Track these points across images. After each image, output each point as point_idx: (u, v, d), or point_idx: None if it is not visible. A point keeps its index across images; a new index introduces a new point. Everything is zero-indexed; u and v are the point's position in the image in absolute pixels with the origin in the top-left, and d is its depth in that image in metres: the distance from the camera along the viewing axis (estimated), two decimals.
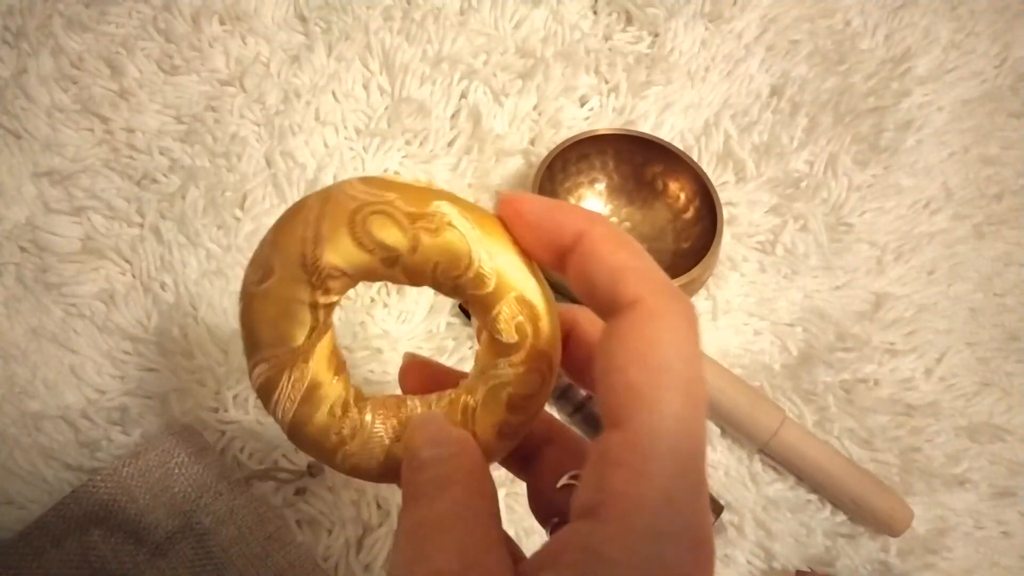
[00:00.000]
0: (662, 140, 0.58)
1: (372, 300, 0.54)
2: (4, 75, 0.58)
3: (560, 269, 0.24)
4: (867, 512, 0.50)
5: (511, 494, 0.49)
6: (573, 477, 0.27)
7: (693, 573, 0.19)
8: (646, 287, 0.21)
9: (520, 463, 0.30)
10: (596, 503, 0.19)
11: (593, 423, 0.51)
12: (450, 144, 0.60)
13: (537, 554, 0.21)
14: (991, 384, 0.57)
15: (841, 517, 0.52)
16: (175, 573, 0.40)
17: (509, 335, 0.25)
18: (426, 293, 0.54)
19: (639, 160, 0.58)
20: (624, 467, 0.19)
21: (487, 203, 0.58)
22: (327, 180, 0.56)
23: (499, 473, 0.29)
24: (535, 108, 0.62)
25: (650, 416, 0.19)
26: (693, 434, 0.20)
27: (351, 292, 0.45)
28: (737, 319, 0.57)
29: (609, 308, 0.22)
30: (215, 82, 0.60)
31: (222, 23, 0.62)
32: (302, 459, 0.48)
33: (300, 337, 0.25)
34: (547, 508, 0.28)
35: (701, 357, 0.21)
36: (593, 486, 0.20)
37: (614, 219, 0.59)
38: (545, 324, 0.25)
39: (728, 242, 0.59)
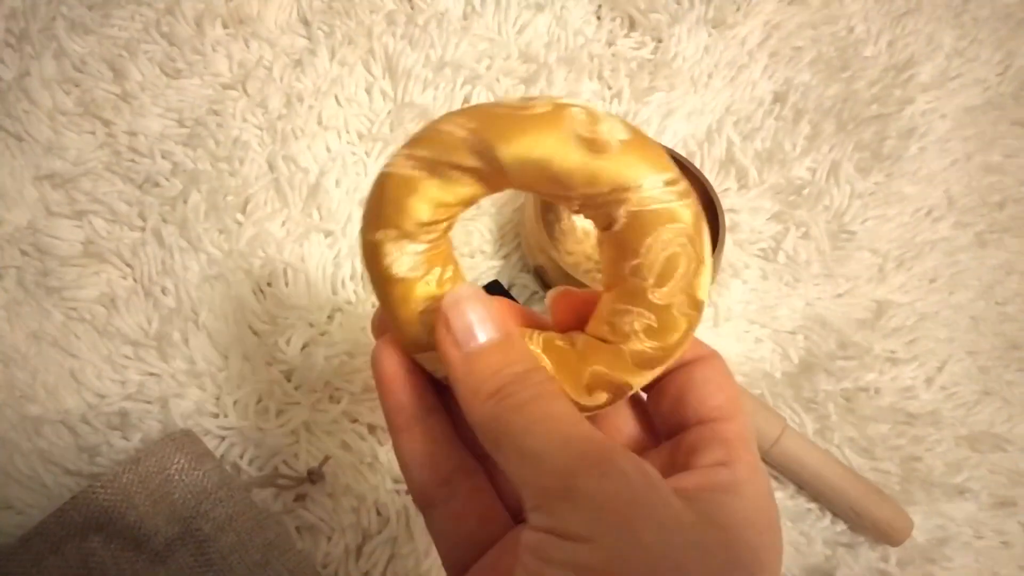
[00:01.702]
0: (664, 147, 0.58)
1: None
2: (7, 78, 0.58)
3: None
4: (867, 521, 0.50)
5: None
6: None
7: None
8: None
9: None
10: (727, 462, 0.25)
11: None
12: None
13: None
14: (992, 393, 0.57)
15: (841, 526, 0.52)
16: None
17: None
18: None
19: None
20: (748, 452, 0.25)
21: (488, 207, 0.58)
22: (329, 185, 0.56)
23: None
24: None
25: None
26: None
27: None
28: (738, 326, 0.57)
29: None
30: (217, 86, 0.60)
31: (225, 26, 0.62)
32: (302, 466, 0.48)
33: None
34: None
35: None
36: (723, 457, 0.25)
37: None
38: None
39: (730, 249, 0.59)
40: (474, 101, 0.61)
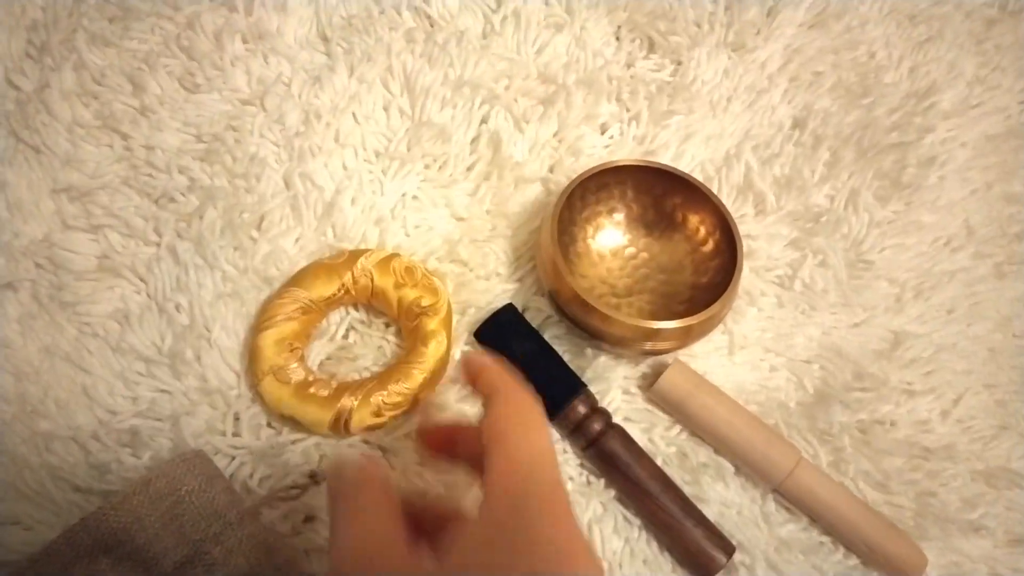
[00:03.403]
0: (682, 172, 0.57)
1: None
2: (27, 89, 0.58)
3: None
4: (881, 557, 0.50)
5: None
6: None
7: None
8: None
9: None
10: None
11: (605, 457, 0.51)
12: (469, 169, 0.60)
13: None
14: (1009, 428, 0.57)
15: (854, 561, 0.51)
16: None
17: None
18: None
19: (659, 191, 0.58)
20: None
21: (504, 230, 0.58)
22: (345, 203, 0.56)
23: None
24: (555, 135, 0.62)
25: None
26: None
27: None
28: (754, 355, 0.56)
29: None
30: (236, 101, 0.60)
31: (244, 42, 0.62)
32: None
33: None
34: None
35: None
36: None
37: (631, 249, 0.59)
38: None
39: (746, 276, 0.58)
40: (491, 122, 0.61)
